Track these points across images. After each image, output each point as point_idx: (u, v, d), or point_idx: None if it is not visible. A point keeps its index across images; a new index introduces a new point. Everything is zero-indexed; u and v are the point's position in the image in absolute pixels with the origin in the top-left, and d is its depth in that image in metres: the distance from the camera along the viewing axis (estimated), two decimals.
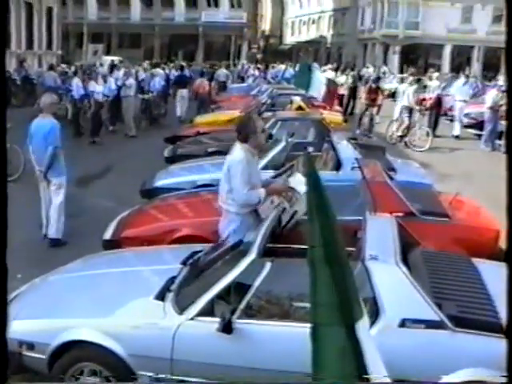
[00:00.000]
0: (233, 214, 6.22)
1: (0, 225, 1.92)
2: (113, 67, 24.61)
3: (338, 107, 20.66)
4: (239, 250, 5.31)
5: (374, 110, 20.39)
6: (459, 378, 4.33)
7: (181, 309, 4.85)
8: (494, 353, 4.44)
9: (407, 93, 19.03)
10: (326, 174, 8.35)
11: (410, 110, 18.78)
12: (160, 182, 9.74)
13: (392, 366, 3.92)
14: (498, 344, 4.49)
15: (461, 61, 54.76)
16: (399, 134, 18.85)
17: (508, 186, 2.00)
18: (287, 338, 4.53)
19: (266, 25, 79.95)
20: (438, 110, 20.83)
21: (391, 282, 4.71)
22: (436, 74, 34.97)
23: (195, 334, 4.75)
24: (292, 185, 6.18)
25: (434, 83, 28.41)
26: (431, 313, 4.58)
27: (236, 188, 6.09)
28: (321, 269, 2.13)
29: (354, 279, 2.28)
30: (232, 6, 59.90)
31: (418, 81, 21.61)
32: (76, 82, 19.13)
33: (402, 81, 25.85)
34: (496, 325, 4.57)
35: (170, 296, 5.05)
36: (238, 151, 6.23)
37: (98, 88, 18.06)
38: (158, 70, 25.46)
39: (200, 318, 4.76)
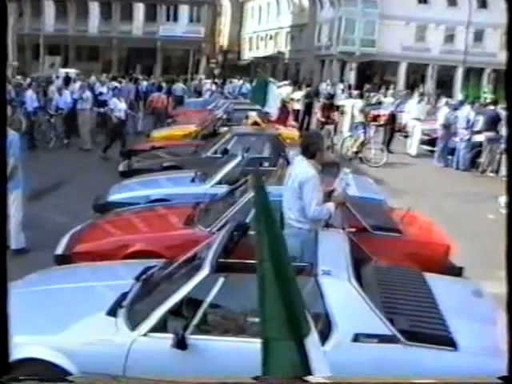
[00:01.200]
0: (304, 231, 6.35)
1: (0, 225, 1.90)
2: (68, 80, 24.36)
3: (293, 123, 20.79)
4: (192, 265, 5.31)
5: (331, 127, 20.49)
6: None
7: (133, 325, 4.80)
8: (444, 366, 4.53)
9: (355, 108, 19.31)
10: (280, 190, 8.44)
11: (365, 126, 19.01)
12: (113, 197, 9.65)
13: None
14: (449, 357, 4.59)
15: (415, 78, 55.74)
16: (354, 149, 19.02)
17: (508, 190, 2.06)
18: (241, 354, 4.52)
19: (224, 40, 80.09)
20: (392, 127, 21.14)
21: (344, 298, 4.76)
22: (391, 91, 35.56)
23: (148, 350, 4.71)
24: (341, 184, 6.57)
25: (388, 100, 28.87)
26: (383, 327, 4.64)
27: (309, 204, 6.23)
28: (269, 284, 2.15)
29: (301, 295, 2.30)
30: (190, 20, 59.93)
31: (361, 96, 21.93)
32: (30, 95, 18.88)
33: (350, 96, 26.14)
34: (446, 338, 4.66)
35: (122, 312, 5.00)
36: (308, 167, 6.40)
37: (120, 105, 17.87)
38: (115, 84, 25.26)
39: (153, 334, 4.73)
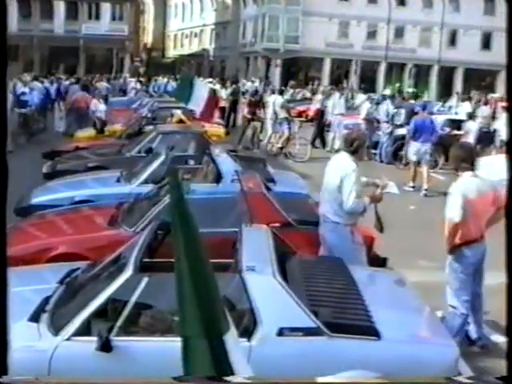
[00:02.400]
0: (341, 226, 6.64)
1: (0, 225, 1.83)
2: None
3: (219, 120, 20.81)
4: (116, 266, 5.24)
5: (258, 124, 20.57)
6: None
7: (56, 329, 4.70)
8: (368, 355, 4.63)
9: (276, 104, 19.49)
10: (206, 187, 8.44)
11: (289, 122, 19.18)
12: (36, 199, 9.38)
13: (271, 375, 4.00)
14: (373, 346, 4.69)
15: (340, 74, 56.61)
16: (279, 145, 19.15)
17: (508, 191, 2.10)
18: (167, 353, 4.47)
19: (148, 38, 79.34)
20: (319, 122, 21.38)
21: (268, 293, 4.79)
22: (322, 88, 36.04)
23: (72, 354, 4.61)
24: (387, 190, 6.91)
25: (317, 97, 29.24)
26: (308, 320, 4.69)
27: (348, 195, 6.48)
28: (186, 282, 2.14)
29: (219, 292, 2.30)
30: (113, 18, 59.03)
31: (281, 93, 22.21)
32: None
33: (273, 92, 26.39)
34: (370, 328, 4.76)
35: (44, 317, 4.88)
36: (349, 161, 6.68)
37: (100, 107, 18.66)
38: (37, 84, 24.62)
39: (77, 338, 4.64)
